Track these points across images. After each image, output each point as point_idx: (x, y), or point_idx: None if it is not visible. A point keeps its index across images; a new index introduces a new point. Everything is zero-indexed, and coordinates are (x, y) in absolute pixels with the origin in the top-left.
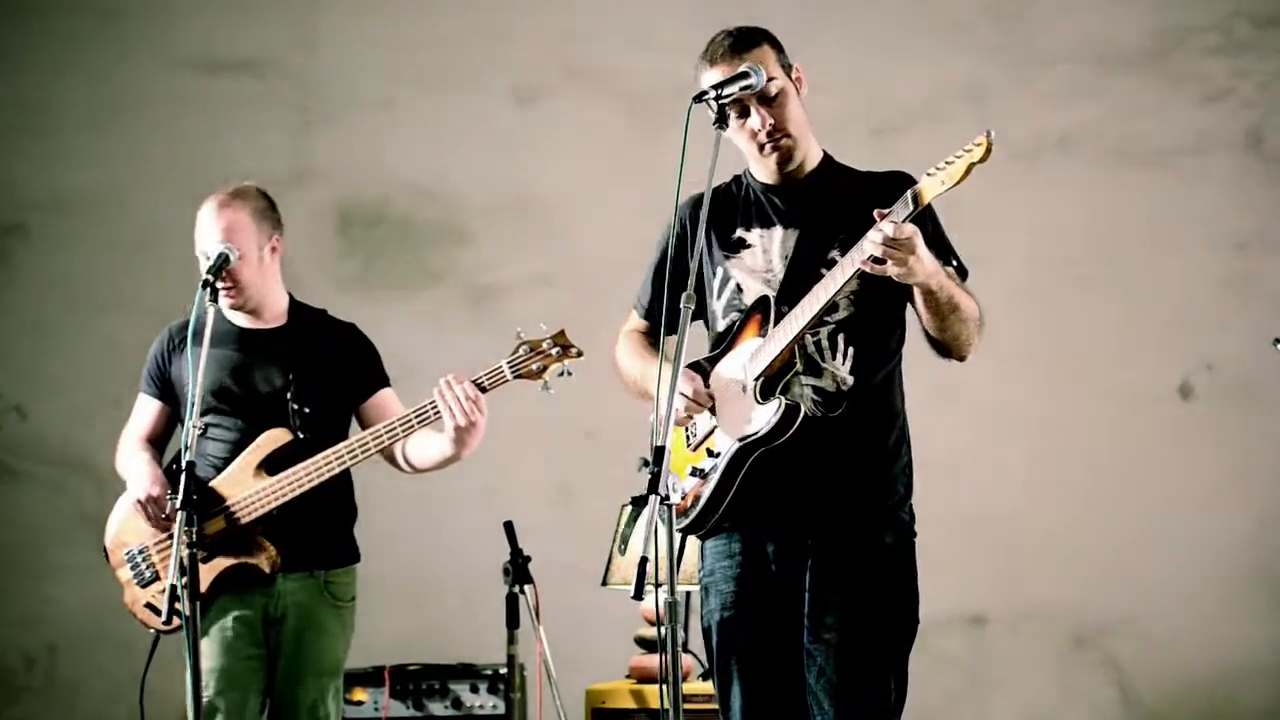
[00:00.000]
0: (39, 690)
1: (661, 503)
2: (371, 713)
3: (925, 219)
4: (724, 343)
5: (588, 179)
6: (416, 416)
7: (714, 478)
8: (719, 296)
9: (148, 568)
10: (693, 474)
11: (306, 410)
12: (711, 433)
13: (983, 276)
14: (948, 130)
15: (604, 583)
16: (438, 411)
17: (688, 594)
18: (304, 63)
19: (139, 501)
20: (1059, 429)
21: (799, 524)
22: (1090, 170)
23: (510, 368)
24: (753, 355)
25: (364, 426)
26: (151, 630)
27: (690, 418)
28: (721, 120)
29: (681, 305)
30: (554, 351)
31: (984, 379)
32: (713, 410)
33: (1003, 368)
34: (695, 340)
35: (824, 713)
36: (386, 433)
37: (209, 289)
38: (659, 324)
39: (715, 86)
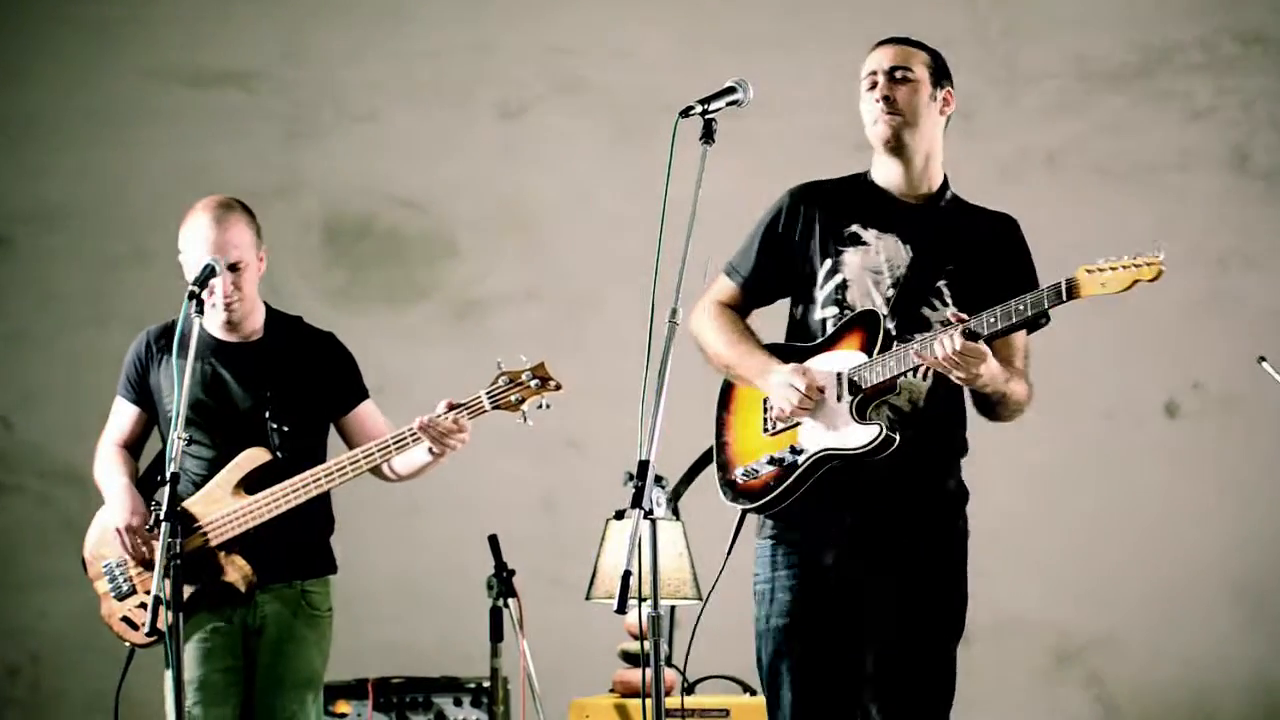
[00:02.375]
0: (23, 701)
1: (645, 517)
2: None
3: (1025, 258)
4: (820, 336)
5: (574, 193)
6: (395, 443)
7: (793, 474)
8: (821, 285)
9: (125, 581)
10: (770, 462)
11: (285, 429)
12: (794, 426)
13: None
14: None
15: (588, 596)
16: (417, 437)
17: (672, 608)
18: (291, 76)
19: (118, 530)
20: (1044, 446)
21: (859, 535)
22: (1075, 187)
23: (489, 398)
24: (853, 370)
25: (344, 438)
26: (127, 644)
27: (797, 411)
28: (708, 136)
29: (667, 321)
30: (533, 384)
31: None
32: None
33: None
34: (771, 315)
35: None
36: (364, 457)
37: (194, 300)
38: (756, 296)
39: (701, 100)
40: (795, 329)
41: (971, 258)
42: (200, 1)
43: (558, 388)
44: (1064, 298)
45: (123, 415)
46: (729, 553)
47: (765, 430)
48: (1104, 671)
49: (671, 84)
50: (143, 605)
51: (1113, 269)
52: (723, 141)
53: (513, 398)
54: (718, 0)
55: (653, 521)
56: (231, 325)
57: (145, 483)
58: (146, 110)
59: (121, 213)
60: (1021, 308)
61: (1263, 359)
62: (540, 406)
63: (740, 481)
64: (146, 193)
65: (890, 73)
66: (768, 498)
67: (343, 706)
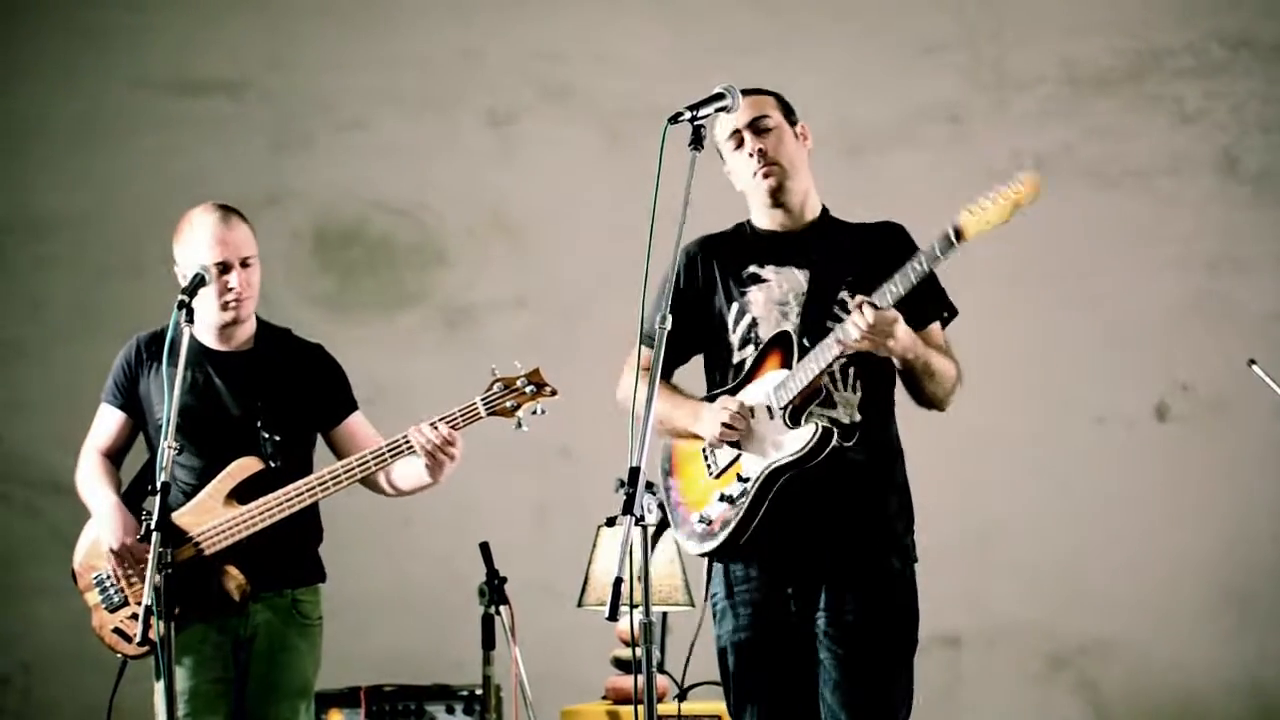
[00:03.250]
0: (14, 710)
1: (636, 523)
2: None
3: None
4: (741, 375)
5: (563, 200)
6: (390, 451)
7: (744, 502)
8: (734, 330)
9: (116, 592)
10: (721, 499)
11: (277, 438)
12: (735, 460)
13: (958, 299)
14: (923, 152)
15: (580, 603)
16: (410, 446)
17: (664, 615)
18: (279, 84)
19: (111, 551)
20: (1034, 450)
21: (814, 550)
22: (1065, 192)
23: (484, 405)
24: (778, 386)
25: (334, 450)
26: (119, 655)
27: (722, 442)
28: (697, 142)
29: (658, 326)
30: (528, 390)
31: (957, 400)
32: (735, 444)
33: (977, 389)
34: (695, 372)
35: None
36: (359, 466)
37: (184, 309)
38: (671, 355)
39: (690, 107)
40: (716, 384)
41: (868, 265)
42: (188, 11)
43: (553, 393)
44: (954, 241)
45: (108, 421)
46: (706, 597)
47: (710, 474)
48: (1096, 676)
49: (660, 90)
50: (134, 616)
51: (992, 203)
52: (711, 147)
53: (508, 404)
54: (705, 6)
55: (644, 528)
56: (233, 327)
57: (133, 492)
58: (135, 119)
59: (111, 222)
60: (918, 265)
61: (1253, 362)
62: (535, 413)
63: (700, 530)
64: (135, 202)
65: (753, 125)
66: (728, 533)
67: (335, 715)
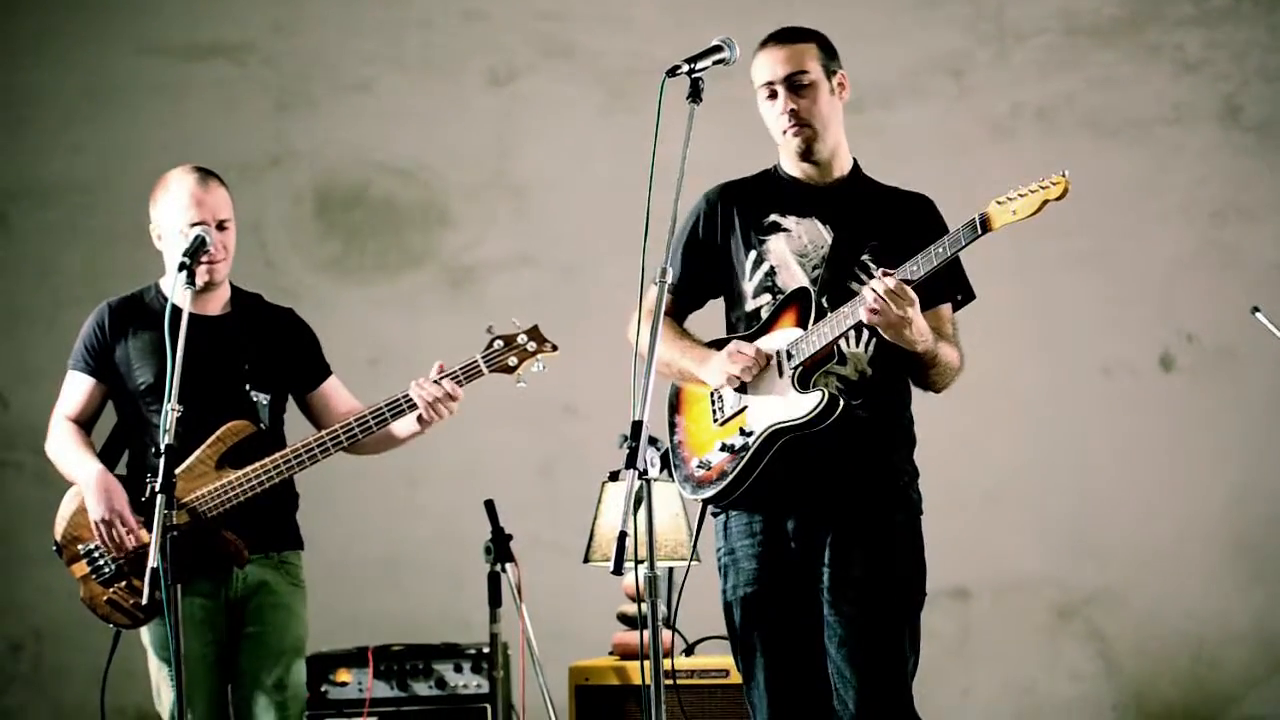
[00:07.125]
0: (26, 677)
1: (640, 478)
2: (356, 693)
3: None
4: (756, 324)
5: (566, 159)
6: (390, 409)
7: (744, 456)
8: (749, 277)
9: (108, 565)
10: (722, 449)
11: (265, 400)
12: (742, 410)
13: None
14: (927, 105)
15: (586, 559)
16: (410, 404)
17: (670, 569)
18: (281, 47)
19: (101, 523)
20: (1041, 402)
21: (818, 504)
22: (1068, 142)
23: (485, 362)
24: (791, 344)
25: (310, 414)
26: (112, 626)
27: (746, 374)
28: (695, 95)
29: (657, 280)
30: (529, 346)
31: (965, 353)
32: (744, 389)
33: (983, 342)
34: (710, 315)
35: (845, 680)
36: (359, 425)
37: (186, 271)
38: (687, 299)
39: (688, 60)
40: (733, 328)
41: (892, 234)
42: None
43: (554, 349)
44: (979, 231)
45: (79, 388)
46: (695, 544)
47: (715, 421)
48: (1104, 626)
49: (661, 49)
50: (129, 588)
51: (1021, 195)
52: (712, 104)
53: (510, 361)
54: None
55: (647, 482)
56: (208, 291)
57: (103, 459)
58: (139, 85)
59: (117, 188)
60: (940, 250)
61: (1256, 309)
62: (535, 369)
63: (698, 475)
64: (141, 167)
65: (788, 82)
66: (725, 483)
67: (343, 675)
